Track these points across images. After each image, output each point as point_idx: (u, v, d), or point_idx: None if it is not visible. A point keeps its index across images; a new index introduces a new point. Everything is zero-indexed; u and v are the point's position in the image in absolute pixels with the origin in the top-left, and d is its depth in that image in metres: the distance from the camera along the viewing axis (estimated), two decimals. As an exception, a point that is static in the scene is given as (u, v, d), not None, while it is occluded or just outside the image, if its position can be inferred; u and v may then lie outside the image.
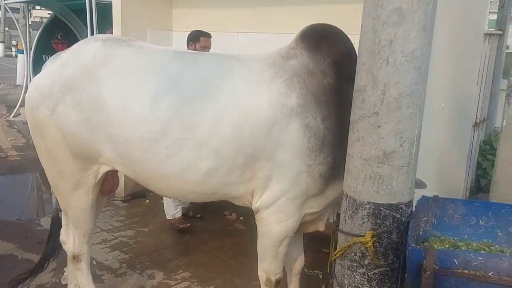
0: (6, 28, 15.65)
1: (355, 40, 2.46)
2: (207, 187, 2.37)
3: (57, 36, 8.21)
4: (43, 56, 8.13)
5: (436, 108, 3.21)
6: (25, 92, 8.04)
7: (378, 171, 2.01)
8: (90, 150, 2.43)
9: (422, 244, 2.21)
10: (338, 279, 2.23)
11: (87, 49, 2.44)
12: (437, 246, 2.19)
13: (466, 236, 2.28)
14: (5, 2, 9.28)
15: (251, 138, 2.27)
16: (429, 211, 2.33)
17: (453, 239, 2.28)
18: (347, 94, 2.32)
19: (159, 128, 2.28)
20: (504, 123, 2.78)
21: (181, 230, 4.26)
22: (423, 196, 2.33)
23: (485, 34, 4.49)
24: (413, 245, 1.91)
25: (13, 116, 9.06)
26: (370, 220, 2.06)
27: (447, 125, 3.71)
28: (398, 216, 2.05)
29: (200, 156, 2.29)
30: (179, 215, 4.32)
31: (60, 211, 2.84)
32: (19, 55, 11.71)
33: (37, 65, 8.04)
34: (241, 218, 4.60)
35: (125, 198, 5.05)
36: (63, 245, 2.82)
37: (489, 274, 1.76)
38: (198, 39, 4.17)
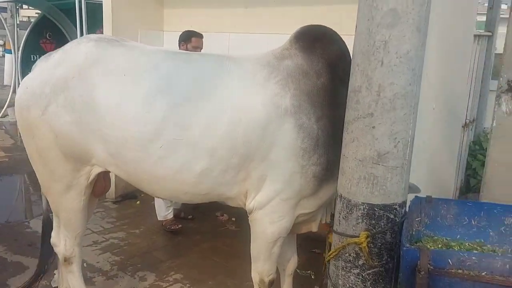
0: (-6, 27, 15.42)
1: (346, 41, 2.48)
2: (201, 187, 2.36)
3: (46, 36, 8.13)
4: (32, 56, 8.05)
5: (427, 109, 3.23)
6: (14, 92, 8.00)
7: (372, 172, 2.02)
8: (83, 151, 2.41)
9: (415, 244, 2.22)
10: (332, 279, 2.24)
11: (80, 49, 2.41)
12: (430, 246, 2.21)
13: (458, 236, 2.30)
14: (-7, 1, 9.18)
15: (245, 138, 2.27)
16: (422, 211, 2.34)
17: (446, 239, 2.30)
18: (341, 95, 2.33)
19: (152, 128, 2.26)
20: (494, 124, 2.80)
21: (173, 231, 4.24)
22: (416, 196, 2.35)
23: (475, 36, 4.54)
24: (407, 245, 1.92)
25: (1, 117, 8.94)
26: (365, 220, 2.06)
27: (438, 126, 3.74)
28: (392, 216, 2.06)
29: (194, 156, 2.28)
30: (171, 217, 4.30)
31: (51, 212, 2.81)
32: (6, 55, 11.56)
33: (25, 65, 7.95)
34: (233, 219, 4.58)
35: (116, 199, 5.00)
36: (54, 248, 2.78)
37: (483, 273, 1.78)
38: (190, 40, 4.16)
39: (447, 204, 2.35)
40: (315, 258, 3.79)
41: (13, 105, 2.61)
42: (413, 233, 2.28)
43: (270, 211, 2.43)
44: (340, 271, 2.18)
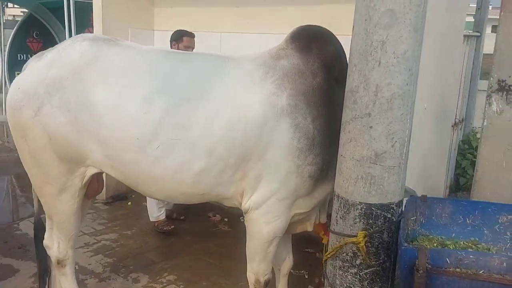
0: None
1: (340, 41, 2.49)
2: (199, 188, 2.35)
3: (33, 35, 7.99)
4: (18, 55, 7.92)
5: (419, 109, 3.26)
6: (0, 92, 7.86)
7: (370, 172, 2.03)
8: (77, 152, 2.37)
9: (411, 243, 2.24)
10: (329, 279, 2.24)
11: (75, 48, 2.37)
12: (426, 245, 2.23)
13: (453, 235, 2.32)
14: (-23, -1, 9.00)
15: (243, 137, 2.26)
16: (418, 210, 2.36)
17: (441, 237, 2.32)
18: (336, 95, 2.35)
19: (151, 129, 2.24)
20: (485, 123, 2.83)
21: (165, 232, 4.21)
22: (411, 196, 2.37)
23: (464, 36, 4.60)
24: (406, 244, 1.93)
25: (-14, 117, 8.80)
26: (362, 220, 2.08)
27: (429, 125, 3.78)
28: (389, 216, 2.07)
29: (193, 156, 2.26)
30: (163, 217, 4.27)
31: (42, 214, 2.77)
32: (-8, 54, 11.36)
33: (12, 64, 7.83)
34: (225, 219, 4.58)
35: (107, 200, 4.96)
36: (47, 250, 2.74)
37: (480, 272, 1.79)
38: (181, 39, 4.13)
39: (442, 203, 2.38)
40: (308, 258, 3.80)
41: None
42: (409, 232, 2.30)
43: (266, 211, 2.43)
44: (337, 271, 2.19)
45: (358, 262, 2.12)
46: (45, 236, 2.75)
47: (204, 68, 2.38)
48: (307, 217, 2.67)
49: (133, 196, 5.04)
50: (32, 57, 2.53)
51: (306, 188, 2.41)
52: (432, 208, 2.36)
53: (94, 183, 2.67)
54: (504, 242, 2.25)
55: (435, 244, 2.26)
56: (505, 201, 2.46)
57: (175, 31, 4.19)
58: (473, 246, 2.25)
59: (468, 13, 5.57)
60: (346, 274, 2.16)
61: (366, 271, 2.12)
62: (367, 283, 2.13)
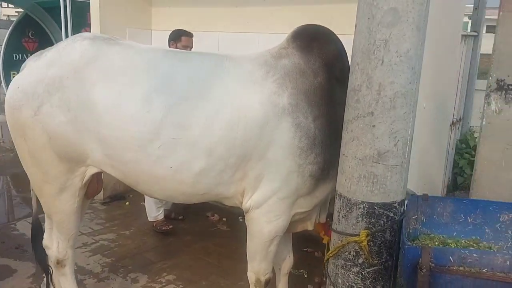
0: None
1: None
2: (199, 187, 2.34)
3: (28, 34, 7.94)
4: (14, 55, 7.87)
5: (418, 108, 3.27)
6: (-5, 91, 7.81)
7: (372, 171, 2.03)
8: (78, 152, 2.36)
9: (412, 242, 2.24)
10: (331, 278, 2.24)
11: (75, 48, 2.36)
12: (427, 244, 2.23)
13: (455, 234, 2.33)
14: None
15: (243, 137, 2.26)
16: (419, 209, 2.36)
17: (443, 236, 2.33)
18: (337, 94, 2.34)
19: (152, 128, 2.23)
20: (484, 122, 2.84)
21: (164, 232, 4.19)
22: (412, 195, 2.37)
23: (461, 36, 4.62)
24: (409, 243, 1.93)
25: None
26: (364, 219, 2.07)
27: (427, 125, 3.79)
28: (391, 215, 2.07)
29: (192, 156, 2.25)
30: (161, 217, 4.25)
31: (40, 214, 2.75)
32: (-14, 54, 11.27)
33: (7, 64, 7.78)
34: (224, 219, 4.56)
35: (104, 200, 4.92)
36: (46, 250, 2.72)
37: (483, 270, 1.80)
38: (180, 39, 4.11)
39: (443, 202, 2.38)
40: (307, 257, 3.80)
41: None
42: (410, 231, 2.30)
43: (267, 210, 2.42)
44: (339, 270, 2.19)
45: (360, 261, 2.12)
46: (45, 236, 2.74)
47: (205, 67, 2.37)
48: (308, 216, 2.66)
49: (131, 196, 5.02)
50: (31, 56, 2.50)
51: (307, 187, 2.41)
52: (433, 207, 2.37)
53: (94, 183, 2.66)
54: (506, 240, 2.26)
55: (436, 243, 2.27)
56: (504, 200, 2.46)
57: (173, 31, 4.17)
58: (475, 245, 2.26)
59: (464, 13, 5.61)
60: (348, 273, 2.16)
61: (368, 270, 2.12)
62: (369, 282, 2.13)
